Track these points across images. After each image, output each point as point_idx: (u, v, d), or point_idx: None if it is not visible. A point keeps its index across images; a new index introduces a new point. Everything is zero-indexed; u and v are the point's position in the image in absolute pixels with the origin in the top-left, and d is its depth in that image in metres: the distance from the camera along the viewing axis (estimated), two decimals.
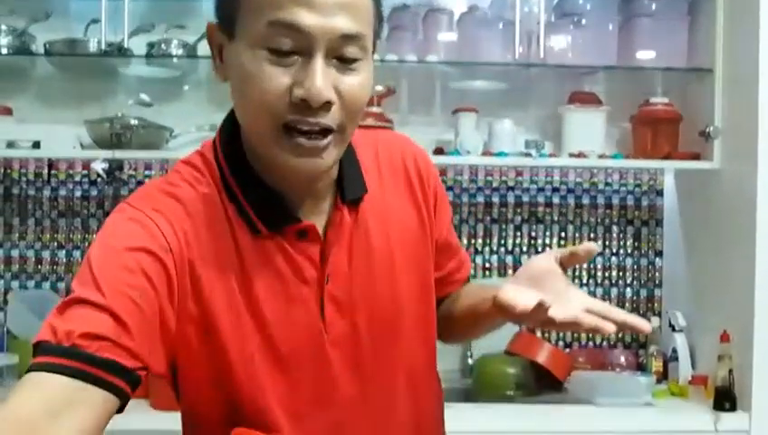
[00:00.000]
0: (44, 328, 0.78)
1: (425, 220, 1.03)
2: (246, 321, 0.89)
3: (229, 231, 0.89)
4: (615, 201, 2.67)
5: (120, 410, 0.80)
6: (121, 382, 0.78)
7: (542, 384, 2.35)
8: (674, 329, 2.39)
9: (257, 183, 0.90)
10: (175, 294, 0.84)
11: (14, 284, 2.56)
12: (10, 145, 2.25)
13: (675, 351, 2.37)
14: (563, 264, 0.95)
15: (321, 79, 0.81)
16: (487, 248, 2.65)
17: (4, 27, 2.24)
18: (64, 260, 2.57)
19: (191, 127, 2.38)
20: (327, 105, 0.83)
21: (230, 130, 0.92)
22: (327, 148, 0.86)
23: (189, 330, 0.87)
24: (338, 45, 0.82)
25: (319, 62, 0.81)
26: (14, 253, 2.56)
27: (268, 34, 0.81)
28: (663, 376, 2.41)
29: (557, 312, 0.84)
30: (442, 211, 1.08)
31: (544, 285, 0.91)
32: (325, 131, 0.84)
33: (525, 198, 2.66)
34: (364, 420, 0.96)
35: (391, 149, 1.04)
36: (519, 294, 0.87)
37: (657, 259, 2.67)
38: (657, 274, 2.67)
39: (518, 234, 2.65)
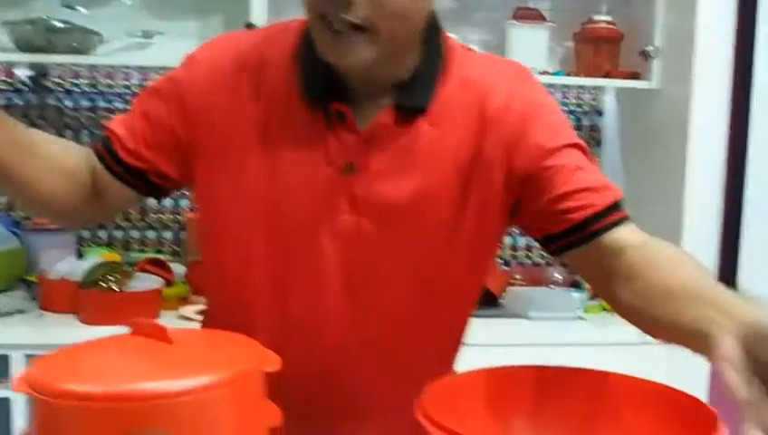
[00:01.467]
0: (114, 120, 1.01)
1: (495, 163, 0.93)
2: (262, 179, 0.92)
3: (278, 90, 0.92)
4: None
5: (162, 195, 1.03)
6: (119, 169, 0.98)
7: (481, 299, 2.37)
8: None
9: (317, 61, 0.90)
10: (188, 112, 0.95)
11: None
12: None
13: None
14: None
15: None
16: None
17: None
18: None
19: (121, 33, 2.29)
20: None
21: None
22: (358, 45, 0.85)
23: (200, 169, 0.96)
24: None
25: None
26: None
27: None
28: (596, 293, 2.47)
29: None
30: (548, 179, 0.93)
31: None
32: (355, 28, 0.84)
33: None
34: (346, 321, 0.95)
35: (505, 97, 0.93)
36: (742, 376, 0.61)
37: None
38: None
39: None
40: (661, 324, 0.82)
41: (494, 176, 0.93)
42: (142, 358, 0.67)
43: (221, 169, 0.94)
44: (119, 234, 2.49)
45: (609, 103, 2.66)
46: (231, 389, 0.64)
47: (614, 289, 0.89)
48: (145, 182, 0.99)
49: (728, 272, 2.16)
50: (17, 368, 1.95)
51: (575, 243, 0.93)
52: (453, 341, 1.07)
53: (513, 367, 0.86)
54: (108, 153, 0.98)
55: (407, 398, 0.74)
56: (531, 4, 2.49)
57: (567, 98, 2.66)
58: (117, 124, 0.99)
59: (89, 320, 2.00)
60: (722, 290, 0.74)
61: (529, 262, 2.70)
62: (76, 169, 0.98)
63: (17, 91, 2.45)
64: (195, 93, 0.94)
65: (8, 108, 2.46)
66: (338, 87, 0.91)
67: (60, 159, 0.96)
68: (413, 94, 0.92)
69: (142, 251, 2.47)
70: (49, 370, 0.66)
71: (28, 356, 1.95)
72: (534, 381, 0.87)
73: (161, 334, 0.68)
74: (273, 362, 0.70)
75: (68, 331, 1.96)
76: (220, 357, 0.68)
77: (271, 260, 0.94)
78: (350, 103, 0.91)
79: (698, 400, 0.76)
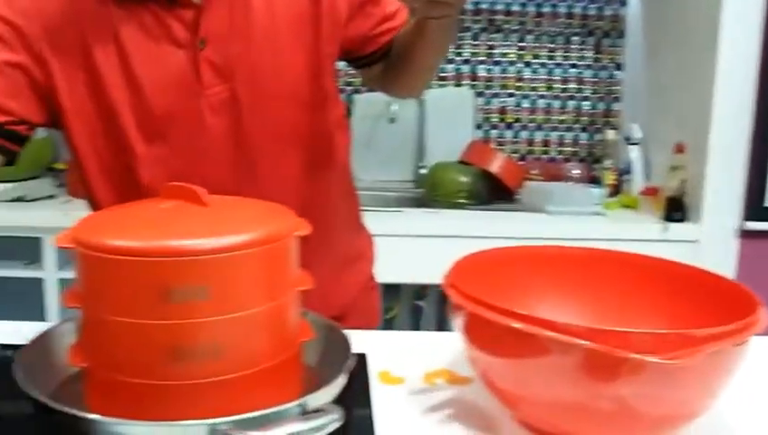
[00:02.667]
0: None
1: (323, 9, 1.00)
2: (120, 80, 0.91)
3: None
4: (577, 10, 2.61)
5: (11, 163, 0.93)
6: None
7: (494, 194, 2.39)
8: (629, 142, 2.42)
9: None
10: (35, 50, 0.90)
11: None
12: None
13: (629, 166, 2.42)
14: None
15: None
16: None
17: None
18: None
19: None
20: None
21: None
22: None
23: (60, 82, 0.91)
24: None
25: None
26: None
27: None
28: (616, 190, 2.46)
29: None
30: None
31: None
32: None
33: (484, 5, 2.59)
34: (239, 186, 0.96)
35: None
36: None
37: (618, 72, 2.66)
38: (616, 87, 2.67)
39: (476, 42, 2.61)
40: (401, 50, 1.06)
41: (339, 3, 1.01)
42: (179, 218, 0.70)
43: (78, 81, 0.93)
44: None
45: None
46: (267, 248, 0.67)
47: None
48: (11, 138, 0.92)
49: (759, 163, 2.13)
50: (48, 250, 2.03)
51: (377, 59, 1.09)
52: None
53: (541, 246, 0.89)
54: None
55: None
56: None
57: None
58: None
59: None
60: None
61: (545, 157, 2.70)
62: None
63: None
64: (29, 24, 0.91)
65: None
66: None
67: None
68: None
69: None
70: (90, 227, 0.69)
71: None
72: (564, 259, 0.89)
73: (195, 197, 0.71)
74: (304, 228, 0.73)
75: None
76: (254, 219, 0.71)
77: (158, 162, 0.95)
78: None
79: (739, 284, 0.76)
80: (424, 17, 0.96)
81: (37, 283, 2.07)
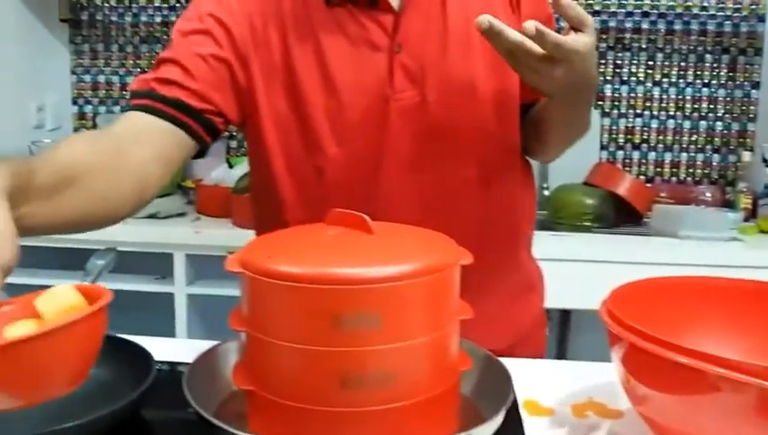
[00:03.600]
0: (136, 81, 0.95)
1: (510, 17, 1.00)
2: (316, 81, 0.94)
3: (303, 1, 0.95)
4: (710, 27, 2.51)
5: (201, 154, 0.96)
6: (190, 121, 0.92)
7: (620, 217, 2.32)
8: (767, 164, 2.30)
9: None
10: (240, 50, 0.95)
11: (102, 108, 2.64)
12: None
13: (766, 188, 2.29)
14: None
15: None
16: None
17: None
18: None
19: None
20: None
21: None
22: None
23: (259, 81, 0.96)
24: None
25: None
26: (101, 78, 2.62)
27: None
28: (752, 214, 2.33)
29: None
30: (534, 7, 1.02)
31: None
32: None
33: (612, 24, 2.52)
34: (419, 193, 0.97)
35: None
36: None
37: (754, 91, 2.53)
38: (752, 107, 2.54)
39: (602, 62, 2.54)
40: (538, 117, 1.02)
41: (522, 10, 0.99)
42: (346, 245, 0.70)
43: (276, 81, 0.96)
44: None
45: None
46: (435, 277, 0.66)
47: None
48: (207, 128, 0.94)
49: None
50: (179, 266, 2.10)
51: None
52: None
53: (704, 277, 0.85)
54: (166, 103, 0.91)
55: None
56: None
57: (723, 2, 2.49)
58: (157, 76, 0.93)
59: (241, 223, 2.12)
60: None
61: (675, 180, 2.60)
62: (122, 160, 0.86)
63: (172, 8, 2.55)
64: (236, 25, 0.95)
65: (165, 24, 2.57)
66: None
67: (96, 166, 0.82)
68: None
69: None
70: (259, 252, 0.70)
71: (188, 255, 2.09)
72: (729, 292, 0.84)
73: (362, 224, 0.71)
74: (467, 257, 0.72)
75: (223, 232, 2.09)
76: (420, 248, 0.71)
77: (342, 161, 0.96)
78: None
79: None
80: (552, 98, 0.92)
81: (168, 297, 2.15)
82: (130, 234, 2.03)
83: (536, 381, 0.91)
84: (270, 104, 0.96)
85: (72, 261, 1.92)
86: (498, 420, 0.69)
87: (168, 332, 2.13)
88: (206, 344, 0.83)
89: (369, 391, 0.65)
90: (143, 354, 0.83)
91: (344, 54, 0.94)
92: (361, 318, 0.64)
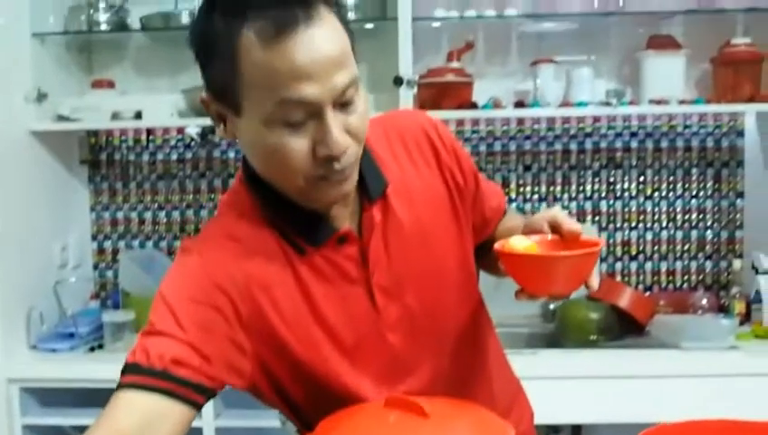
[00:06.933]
0: (136, 351, 0.89)
1: (449, 182, 1.09)
2: (314, 329, 0.98)
3: (282, 255, 0.98)
4: (694, 143, 2.67)
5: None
6: (202, 399, 0.90)
7: (624, 329, 2.42)
8: (757, 271, 2.42)
9: (291, 209, 0.97)
10: (243, 319, 0.94)
11: (121, 244, 2.75)
12: (115, 116, 2.40)
13: (758, 293, 2.40)
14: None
15: (337, 132, 0.88)
16: (566, 195, 2.70)
17: (102, 5, 2.38)
18: (164, 220, 2.75)
19: None
20: (346, 149, 0.91)
21: (252, 171, 0.98)
22: (351, 175, 0.95)
23: (264, 349, 0.97)
24: (339, 96, 0.88)
25: (330, 118, 0.88)
26: (119, 215, 2.75)
27: (280, 111, 0.87)
28: (746, 318, 2.44)
29: None
30: (464, 164, 1.12)
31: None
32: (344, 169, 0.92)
33: (603, 144, 2.69)
34: (430, 385, 1.06)
35: (400, 128, 1.09)
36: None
37: (739, 200, 2.68)
38: (738, 215, 2.68)
39: (597, 180, 2.69)
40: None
41: (466, 191, 1.11)
42: (408, 431, 0.80)
43: (285, 340, 0.98)
44: None
45: (749, 123, 2.65)
46: None
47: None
48: (207, 396, 0.92)
49: None
50: None
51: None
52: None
53: (724, 420, 0.93)
54: (171, 381, 0.88)
55: None
56: (664, 31, 2.52)
57: (705, 120, 2.66)
58: (156, 348, 0.89)
59: None
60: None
61: (672, 287, 2.71)
62: None
63: (187, 146, 2.71)
64: (239, 297, 0.95)
65: (180, 162, 2.72)
66: (322, 220, 0.98)
67: None
68: (375, 182, 1.01)
69: None
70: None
71: None
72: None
73: (418, 409, 0.81)
74: (509, 430, 0.82)
75: None
76: (471, 428, 0.80)
77: (361, 380, 1.02)
78: (337, 224, 0.99)
79: None
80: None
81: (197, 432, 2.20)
82: None
83: None
84: (276, 355, 0.98)
85: None
86: None
87: None
88: None
89: None
90: None
91: (329, 295, 0.99)
92: None
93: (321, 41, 0.85)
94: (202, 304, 0.92)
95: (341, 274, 1.00)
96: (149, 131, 2.71)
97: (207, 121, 2.42)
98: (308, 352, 0.98)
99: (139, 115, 2.40)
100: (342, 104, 0.89)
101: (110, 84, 2.55)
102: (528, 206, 2.69)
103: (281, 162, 0.90)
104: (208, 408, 2.16)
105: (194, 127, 2.57)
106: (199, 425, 2.18)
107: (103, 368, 2.16)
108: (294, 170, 0.90)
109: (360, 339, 1.01)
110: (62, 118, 2.43)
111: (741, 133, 2.67)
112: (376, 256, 1.01)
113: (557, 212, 1.01)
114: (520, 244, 0.96)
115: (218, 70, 0.90)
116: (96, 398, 2.21)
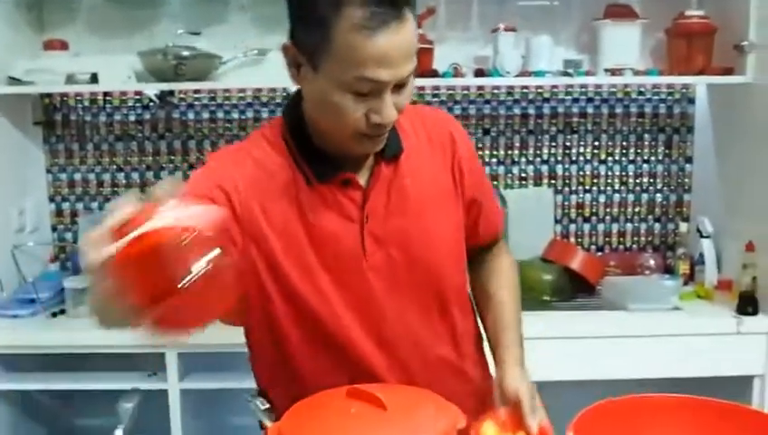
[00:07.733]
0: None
1: (457, 185, 1.25)
2: (304, 241, 1.13)
3: (291, 180, 1.15)
4: (647, 109, 2.74)
5: None
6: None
7: (576, 289, 2.52)
8: (701, 235, 2.52)
9: (313, 149, 1.15)
10: (237, 215, 1.10)
11: (79, 205, 2.73)
12: (69, 79, 2.36)
13: (702, 256, 2.51)
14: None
15: (390, 107, 1.06)
16: (524, 159, 2.76)
17: None
18: (124, 181, 2.74)
19: (239, 52, 2.48)
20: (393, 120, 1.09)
21: (295, 111, 1.17)
22: (385, 136, 1.13)
23: (253, 250, 1.11)
24: (402, 80, 1.06)
25: (388, 97, 1.06)
26: (77, 176, 2.73)
27: (354, 83, 1.03)
28: (690, 278, 2.57)
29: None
30: (474, 175, 1.28)
31: None
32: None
33: (560, 109, 2.74)
34: (403, 332, 1.18)
35: (438, 125, 1.27)
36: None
37: (688, 165, 2.77)
38: (686, 179, 2.78)
39: (553, 144, 2.75)
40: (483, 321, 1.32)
41: (464, 179, 1.25)
42: (367, 421, 0.85)
43: (279, 255, 1.12)
44: None
45: (700, 91, 2.72)
46: None
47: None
48: None
49: None
50: (171, 363, 2.19)
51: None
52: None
53: (666, 396, 0.99)
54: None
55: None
56: (622, 0, 2.56)
57: (658, 88, 2.73)
58: None
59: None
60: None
61: (622, 247, 2.81)
62: None
63: (146, 107, 2.68)
64: (237, 198, 1.11)
65: (139, 123, 2.70)
66: (335, 163, 1.14)
67: None
68: (392, 144, 1.17)
69: None
70: (296, 426, 0.84)
71: (179, 353, 2.17)
72: (688, 411, 0.98)
73: (377, 401, 0.86)
74: (460, 419, 0.88)
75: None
76: (426, 419, 0.86)
77: (338, 301, 1.15)
78: (347, 170, 1.15)
79: None
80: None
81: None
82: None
83: None
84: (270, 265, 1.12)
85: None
86: None
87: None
88: None
89: None
90: None
91: (326, 222, 1.14)
92: None
93: (404, 38, 1.02)
94: (199, 197, 1.03)
95: (339, 210, 1.14)
96: (106, 93, 2.67)
97: (165, 86, 2.44)
98: (294, 265, 1.12)
99: (94, 78, 2.36)
100: (399, 85, 1.05)
101: (63, 45, 2.49)
102: (487, 169, 2.74)
103: (338, 117, 1.06)
104: (173, 370, 2.20)
105: (152, 90, 2.56)
106: (164, 387, 2.22)
107: (66, 335, 2.19)
108: (347, 126, 1.06)
109: (343, 271, 1.14)
110: (13, 80, 2.38)
111: (692, 101, 2.75)
112: (375, 205, 1.16)
113: (525, 396, 1.08)
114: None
115: (312, 31, 1.03)
116: (60, 363, 2.25)
